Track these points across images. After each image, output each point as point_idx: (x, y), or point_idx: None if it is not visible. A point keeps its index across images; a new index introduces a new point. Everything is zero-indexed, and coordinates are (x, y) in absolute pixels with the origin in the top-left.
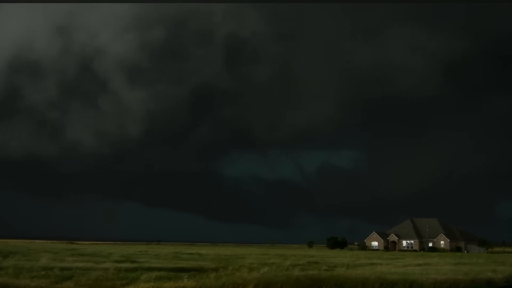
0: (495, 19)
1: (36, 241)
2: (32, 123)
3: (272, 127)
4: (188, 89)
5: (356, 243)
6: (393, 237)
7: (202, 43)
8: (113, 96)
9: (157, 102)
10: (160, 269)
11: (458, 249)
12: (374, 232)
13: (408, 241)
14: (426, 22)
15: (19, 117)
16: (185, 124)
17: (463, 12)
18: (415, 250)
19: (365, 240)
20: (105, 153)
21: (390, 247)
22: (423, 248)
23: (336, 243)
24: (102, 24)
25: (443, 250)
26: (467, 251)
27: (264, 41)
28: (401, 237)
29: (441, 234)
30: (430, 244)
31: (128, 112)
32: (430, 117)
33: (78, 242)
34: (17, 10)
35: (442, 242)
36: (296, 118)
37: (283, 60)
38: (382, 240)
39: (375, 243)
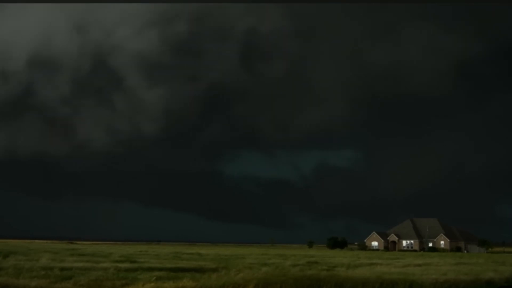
0: (509, 20)
1: (36, 241)
2: (43, 121)
3: (277, 127)
4: (202, 87)
5: (356, 243)
6: (393, 237)
7: (220, 40)
8: (127, 94)
9: (170, 101)
10: (160, 269)
11: (458, 249)
12: (374, 232)
13: (408, 241)
14: (440, 22)
15: (32, 115)
16: (193, 123)
17: (477, 13)
18: (415, 250)
19: (365, 240)
20: (109, 153)
21: (390, 247)
22: (423, 248)
23: (336, 243)
24: (119, 21)
25: (443, 250)
26: (467, 251)
27: (280, 39)
28: (401, 237)
29: (441, 234)
30: (430, 244)
31: (139, 111)
32: (433, 117)
33: (78, 242)
34: (36, 9)
35: (442, 242)
36: (303, 119)
37: (297, 59)
38: (382, 240)
39: (375, 243)
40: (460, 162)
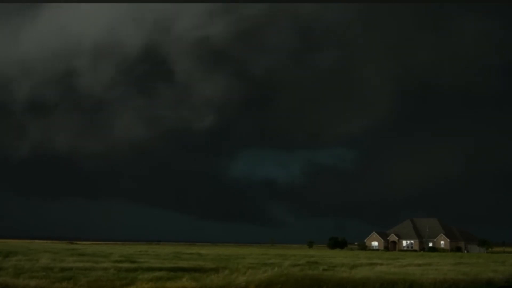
0: None
1: (36, 241)
2: (76, 119)
3: (299, 126)
4: (247, 81)
5: (356, 243)
6: (393, 237)
7: (277, 31)
8: (175, 88)
9: (213, 96)
10: (160, 269)
11: (458, 249)
12: (374, 232)
13: (408, 241)
14: (496, 18)
15: (75, 111)
16: (219, 121)
17: None
18: (415, 250)
19: (365, 240)
20: (112, 154)
21: (390, 247)
22: (423, 248)
23: (336, 243)
24: (175, 12)
25: (443, 250)
26: (467, 251)
27: (336, 30)
28: (401, 237)
29: (441, 234)
30: (430, 244)
31: (180, 107)
32: (447, 117)
33: (78, 242)
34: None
35: (442, 242)
36: (332, 119)
37: (349, 52)
38: (382, 240)
39: (375, 243)
40: (461, 162)
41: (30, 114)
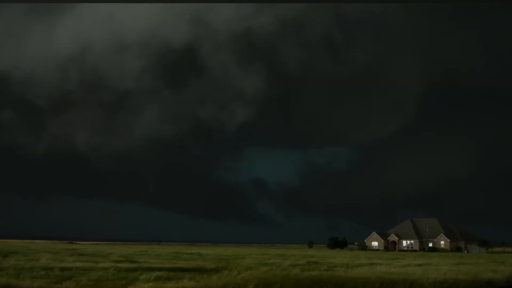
0: None
1: (36, 241)
2: (99, 117)
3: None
4: (279, 77)
5: (356, 243)
6: (393, 237)
7: (317, 24)
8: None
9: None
10: (160, 269)
11: (458, 249)
12: (374, 232)
13: (408, 241)
14: None
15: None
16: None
17: None
18: (415, 250)
19: (365, 240)
20: (114, 154)
21: (390, 247)
22: (423, 248)
23: (337, 243)
24: (210, 6)
25: (443, 250)
26: (467, 251)
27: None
28: (401, 237)
29: (441, 234)
30: (430, 244)
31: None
32: (441, 118)
33: (78, 242)
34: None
35: (442, 242)
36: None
37: (380, 52)
38: (382, 240)
39: (375, 243)
40: (461, 162)
41: (53, 111)
